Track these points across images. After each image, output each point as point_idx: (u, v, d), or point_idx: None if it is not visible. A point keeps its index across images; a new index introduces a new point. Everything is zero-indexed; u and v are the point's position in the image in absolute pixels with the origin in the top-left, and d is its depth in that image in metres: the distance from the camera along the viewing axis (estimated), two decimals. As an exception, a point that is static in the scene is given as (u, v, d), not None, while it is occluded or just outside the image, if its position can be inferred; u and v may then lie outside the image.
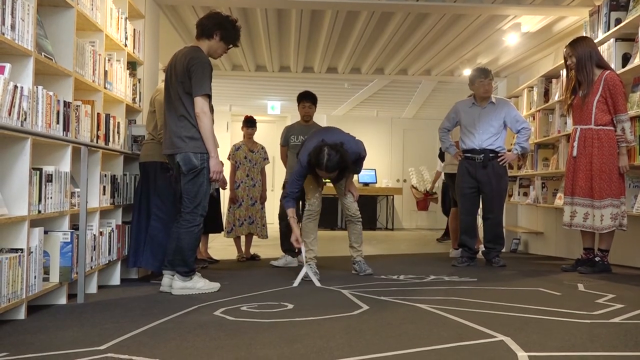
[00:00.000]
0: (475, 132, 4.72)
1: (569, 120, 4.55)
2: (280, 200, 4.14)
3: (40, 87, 2.77)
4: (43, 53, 2.86)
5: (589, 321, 2.48)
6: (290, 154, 5.05)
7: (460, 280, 3.88)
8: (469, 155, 4.75)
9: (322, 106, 10.14)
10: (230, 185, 5.51)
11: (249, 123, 5.66)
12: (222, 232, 5.49)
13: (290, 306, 2.94)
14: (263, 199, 5.60)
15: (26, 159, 2.64)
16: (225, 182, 5.43)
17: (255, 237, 5.64)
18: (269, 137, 10.16)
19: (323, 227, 8.33)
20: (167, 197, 3.76)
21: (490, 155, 4.69)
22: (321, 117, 10.57)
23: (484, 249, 4.87)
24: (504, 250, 4.99)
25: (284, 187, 5.10)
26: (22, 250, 2.61)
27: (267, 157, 5.73)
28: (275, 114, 10.92)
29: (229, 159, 5.60)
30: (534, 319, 2.55)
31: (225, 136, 10.51)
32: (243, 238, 5.57)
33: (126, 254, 3.98)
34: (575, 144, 4.06)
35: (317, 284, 3.67)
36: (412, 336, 2.25)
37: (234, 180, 5.52)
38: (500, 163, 4.73)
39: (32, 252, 2.71)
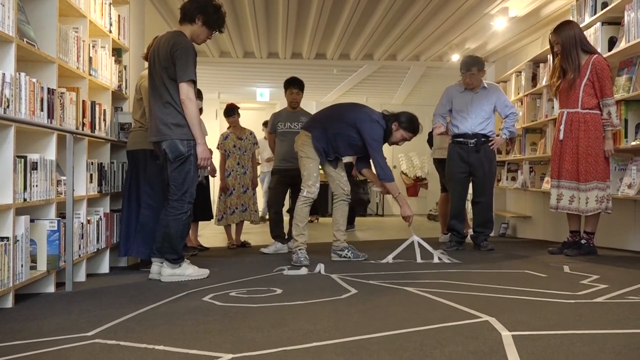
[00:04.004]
0: (467, 117, 4.73)
1: (556, 105, 4.58)
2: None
3: (22, 74, 2.74)
4: (25, 39, 2.82)
5: (573, 301, 2.52)
6: (279, 140, 5.04)
7: (449, 264, 3.91)
8: (460, 139, 4.76)
9: (311, 93, 10.10)
10: (221, 174, 5.49)
11: (229, 112, 5.60)
12: (213, 220, 5.49)
13: (279, 291, 2.95)
14: (254, 184, 5.59)
15: (10, 147, 2.62)
16: (215, 170, 5.42)
17: (245, 224, 5.64)
18: (258, 124, 10.12)
19: (313, 214, 8.34)
20: (157, 185, 3.73)
21: (482, 139, 4.71)
22: (310, 104, 10.54)
23: (472, 233, 4.91)
24: (492, 234, 5.03)
25: (272, 174, 5.09)
26: (7, 238, 2.59)
27: (256, 142, 5.70)
28: (264, 101, 10.88)
29: (218, 148, 5.57)
30: (519, 300, 2.58)
31: (214, 124, 10.46)
32: (233, 226, 5.57)
33: (115, 242, 3.97)
34: (562, 127, 4.09)
35: (429, 248, 4.11)
36: (398, 318, 2.28)
37: (224, 170, 5.50)
38: (491, 147, 4.76)
39: (18, 241, 2.69)
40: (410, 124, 4.19)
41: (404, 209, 4.19)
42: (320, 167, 4.15)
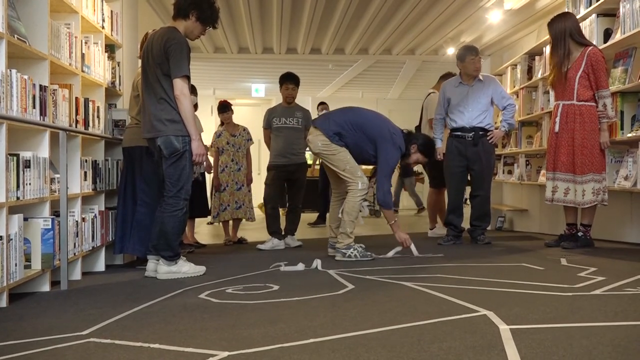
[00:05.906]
0: (464, 110, 4.71)
1: (552, 97, 4.57)
2: (380, 192, 3.93)
3: (14, 71, 2.70)
4: (16, 35, 2.79)
5: (570, 294, 2.51)
6: (274, 136, 5.02)
7: (446, 258, 3.90)
8: (458, 133, 4.73)
9: (307, 88, 10.08)
10: (215, 172, 5.47)
11: (222, 108, 5.59)
12: (209, 218, 5.46)
13: (275, 287, 2.94)
14: (249, 180, 5.57)
15: (2, 145, 2.59)
16: (210, 166, 5.40)
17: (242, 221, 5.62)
18: (253, 120, 10.09)
19: (311, 209, 8.33)
20: (153, 182, 3.70)
21: (480, 132, 4.70)
22: (306, 99, 10.51)
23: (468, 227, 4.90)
24: (489, 228, 5.03)
25: (268, 170, 5.07)
26: (1, 237, 2.56)
27: (250, 138, 5.67)
28: (259, 97, 10.84)
29: (211, 146, 5.54)
30: (516, 293, 2.58)
31: (210, 120, 10.38)
32: (231, 222, 5.55)
33: (111, 240, 3.94)
34: (557, 119, 4.08)
35: (416, 253, 4.02)
36: (396, 313, 2.26)
37: (217, 167, 5.47)
38: (490, 141, 4.74)
39: (11, 239, 2.66)
40: (427, 148, 4.16)
41: (398, 235, 4.11)
42: (319, 163, 4.12)
